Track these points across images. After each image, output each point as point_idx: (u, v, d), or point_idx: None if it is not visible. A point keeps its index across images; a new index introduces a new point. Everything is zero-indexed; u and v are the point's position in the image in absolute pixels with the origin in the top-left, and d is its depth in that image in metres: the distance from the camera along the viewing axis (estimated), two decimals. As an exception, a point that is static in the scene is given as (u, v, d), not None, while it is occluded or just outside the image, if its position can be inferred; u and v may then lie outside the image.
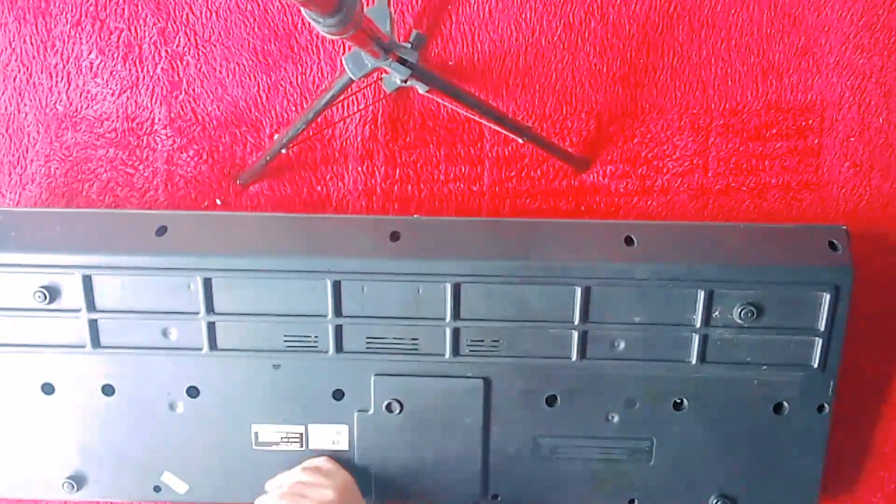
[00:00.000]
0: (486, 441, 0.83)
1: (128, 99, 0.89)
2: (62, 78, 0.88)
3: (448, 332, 0.80)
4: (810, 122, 0.87)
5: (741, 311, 0.78)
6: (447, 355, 0.80)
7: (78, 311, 0.80)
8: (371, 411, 0.82)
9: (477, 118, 0.84)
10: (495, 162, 0.88)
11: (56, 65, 0.88)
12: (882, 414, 0.91)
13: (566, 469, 0.84)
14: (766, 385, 0.81)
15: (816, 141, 0.87)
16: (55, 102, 0.89)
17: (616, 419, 0.82)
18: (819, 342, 0.79)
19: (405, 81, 0.70)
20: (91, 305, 0.80)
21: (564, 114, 0.87)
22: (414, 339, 0.80)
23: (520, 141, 0.83)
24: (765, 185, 0.88)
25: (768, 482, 0.84)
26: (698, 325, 0.79)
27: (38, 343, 0.82)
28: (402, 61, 0.67)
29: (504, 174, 0.88)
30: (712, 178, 0.88)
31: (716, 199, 0.88)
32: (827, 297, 0.78)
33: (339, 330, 0.80)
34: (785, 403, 0.81)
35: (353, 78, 0.68)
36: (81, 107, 0.89)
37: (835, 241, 0.79)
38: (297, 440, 0.84)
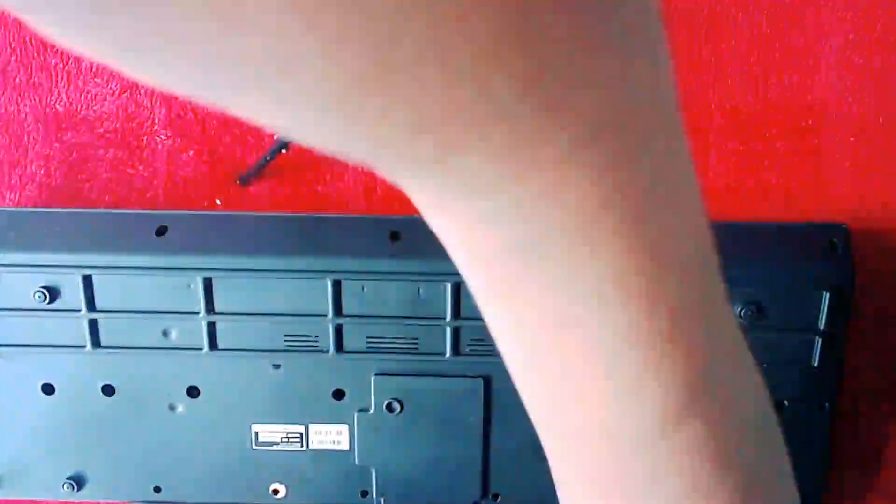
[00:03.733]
0: (486, 440, 0.83)
1: (128, 99, 0.89)
2: (62, 78, 0.88)
3: (448, 331, 0.80)
4: (810, 122, 0.87)
5: (742, 310, 0.78)
6: (448, 354, 0.80)
7: (78, 311, 0.80)
8: (371, 411, 0.82)
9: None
10: (495, 162, 0.88)
11: (56, 65, 0.88)
12: (883, 413, 0.91)
13: (567, 469, 0.83)
14: (766, 384, 0.81)
15: (816, 141, 0.87)
16: (55, 102, 0.89)
17: (617, 419, 0.82)
18: (819, 341, 0.79)
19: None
20: (91, 305, 0.80)
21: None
22: (414, 339, 0.80)
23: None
24: (765, 184, 0.88)
25: (769, 482, 0.84)
26: (699, 324, 0.79)
27: (38, 343, 0.82)
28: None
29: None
30: (713, 178, 0.88)
31: (716, 200, 0.88)
32: (827, 296, 0.78)
33: (339, 329, 0.80)
34: (786, 402, 0.81)
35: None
36: (81, 107, 0.89)
37: (835, 241, 0.79)
38: (298, 440, 0.84)
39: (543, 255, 0.20)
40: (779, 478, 0.30)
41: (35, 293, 0.80)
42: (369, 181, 0.89)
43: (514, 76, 0.15)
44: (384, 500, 0.85)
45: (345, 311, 0.80)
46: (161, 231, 0.80)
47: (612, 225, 0.19)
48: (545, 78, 0.16)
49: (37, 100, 0.89)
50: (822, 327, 0.79)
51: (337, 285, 0.79)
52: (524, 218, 0.19)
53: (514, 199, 0.18)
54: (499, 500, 0.85)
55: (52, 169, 0.90)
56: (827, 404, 0.81)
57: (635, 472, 0.24)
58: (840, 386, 0.81)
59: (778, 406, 0.83)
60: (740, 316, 0.78)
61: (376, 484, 0.84)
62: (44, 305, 0.80)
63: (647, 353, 0.21)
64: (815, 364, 0.80)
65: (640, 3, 0.17)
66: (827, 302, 0.78)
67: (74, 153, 0.90)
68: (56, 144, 0.90)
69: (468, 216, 0.20)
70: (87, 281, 0.80)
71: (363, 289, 0.79)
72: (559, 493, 0.32)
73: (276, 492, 0.86)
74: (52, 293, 0.80)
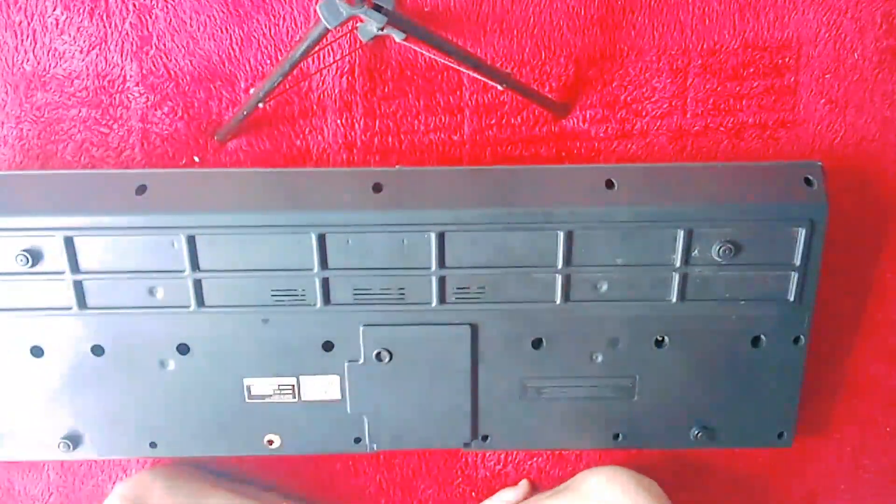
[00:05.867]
0: (474, 385, 0.85)
1: (97, 56, 0.86)
2: (27, 36, 0.86)
3: (434, 280, 0.81)
4: (787, 59, 0.87)
5: (720, 248, 0.80)
6: (434, 303, 0.82)
7: (62, 273, 0.80)
8: (361, 361, 0.84)
9: (455, 66, 0.83)
10: (475, 110, 0.87)
11: (20, 22, 0.85)
12: (855, 344, 0.95)
13: (553, 408, 0.86)
14: (744, 319, 0.83)
15: (793, 79, 0.88)
16: (22, 62, 0.87)
17: (600, 359, 0.84)
18: (795, 276, 0.81)
19: (381, 29, 0.69)
20: (75, 267, 0.80)
21: (543, 59, 0.86)
22: (400, 289, 0.81)
23: (499, 88, 0.82)
24: (742, 124, 0.88)
25: (747, 413, 0.87)
26: (678, 264, 0.80)
27: (23, 307, 0.82)
28: (378, 8, 0.66)
29: (484, 122, 0.88)
30: (690, 120, 0.88)
31: (694, 140, 0.89)
32: (802, 232, 0.80)
33: (325, 283, 0.81)
34: (762, 337, 0.84)
35: (329, 27, 0.67)
36: (50, 66, 0.87)
37: (810, 177, 0.81)
38: (290, 392, 0.85)
39: None
40: None
41: (17, 257, 0.79)
42: (349, 134, 0.89)
43: None
44: (377, 446, 0.88)
45: (330, 265, 0.81)
46: (140, 190, 0.80)
47: None
48: None
49: (3, 60, 0.87)
50: (797, 262, 0.81)
51: (322, 239, 0.79)
52: None
53: None
54: (488, 440, 0.88)
55: (25, 131, 0.88)
56: (802, 337, 0.84)
57: None
58: (814, 318, 0.84)
59: (755, 340, 0.86)
60: (719, 254, 0.80)
61: (369, 431, 0.87)
62: (26, 269, 0.80)
63: None
64: (791, 298, 0.82)
65: None
66: (802, 238, 0.80)
67: (46, 113, 0.88)
68: (26, 105, 0.88)
69: None
70: (69, 243, 0.79)
71: (348, 241, 0.80)
72: None
73: (270, 442, 0.88)
74: (34, 256, 0.80)
